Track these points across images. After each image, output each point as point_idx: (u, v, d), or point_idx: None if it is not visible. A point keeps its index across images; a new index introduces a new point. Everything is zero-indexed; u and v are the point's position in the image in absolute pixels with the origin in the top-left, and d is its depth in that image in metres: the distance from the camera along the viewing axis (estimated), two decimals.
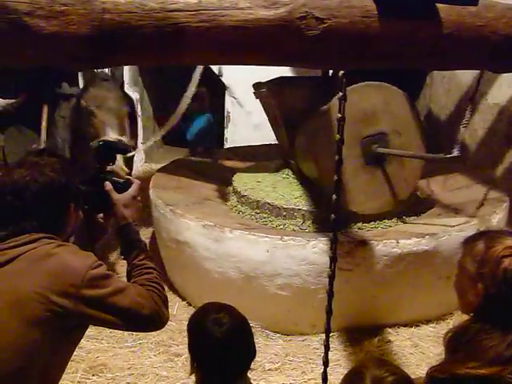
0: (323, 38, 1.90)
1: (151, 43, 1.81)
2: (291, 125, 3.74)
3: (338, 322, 2.76)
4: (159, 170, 4.23)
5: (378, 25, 1.94)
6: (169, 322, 1.57)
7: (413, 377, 1.47)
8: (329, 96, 3.37)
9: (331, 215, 2.02)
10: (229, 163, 4.51)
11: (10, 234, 1.42)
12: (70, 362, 1.53)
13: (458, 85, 4.68)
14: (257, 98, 4.03)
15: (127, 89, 5.32)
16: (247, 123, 5.75)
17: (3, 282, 1.36)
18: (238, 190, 3.72)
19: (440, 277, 3.09)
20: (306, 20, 1.87)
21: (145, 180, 3.42)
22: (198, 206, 3.52)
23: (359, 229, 3.33)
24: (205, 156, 4.73)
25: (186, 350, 1.74)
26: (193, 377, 1.73)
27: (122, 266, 3.57)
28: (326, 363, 2.04)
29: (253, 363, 1.72)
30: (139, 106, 5.93)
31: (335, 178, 2.00)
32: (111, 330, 3.05)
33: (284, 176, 3.89)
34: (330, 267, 2.02)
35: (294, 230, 3.29)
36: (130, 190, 1.71)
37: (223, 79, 5.82)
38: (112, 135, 3.29)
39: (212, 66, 5.42)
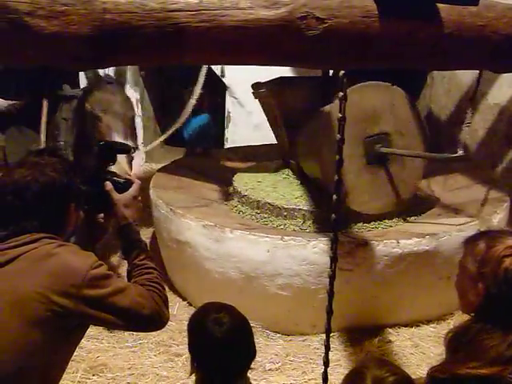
0: (324, 37, 1.90)
1: (152, 43, 1.81)
2: (291, 125, 3.74)
3: (338, 322, 2.76)
4: (160, 170, 4.23)
5: (378, 25, 1.94)
6: (169, 322, 1.57)
7: (413, 377, 1.47)
8: (329, 96, 3.37)
9: (332, 215, 2.01)
10: (229, 163, 4.51)
11: (11, 233, 1.42)
12: (70, 362, 1.53)
13: (458, 85, 4.68)
14: (256, 98, 4.03)
15: (128, 89, 5.31)
16: (248, 123, 5.75)
17: (4, 282, 1.37)
18: (239, 189, 3.72)
19: (441, 277, 3.09)
20: (306, 20, 1.87)
21: (145, 180, 3.43)
22: (199, 206, 3.52)
23: (360, 229, 3.33)
24: (203, 156, 4.73)
25: (187, 350, 1.74)
26: (193, 377, 1.73)
27: (122, 266, 3.58)
28: (326, 363, 2.03)
29: (253, 363, 1.72)
30: (139, 106, 5.93)
31: (336, 177, 2.00)
32: (111, 329, 3.06)
33: (284, 176, 3.89)
34: (331, 267, 2.02)
35: (294, 230, 3.28)
36: (130, 189, 1.71)
37: (223, 79, 5.82)
38: (118, 140, 3.28)
39: (214, 67, 5.42)
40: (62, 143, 3.73)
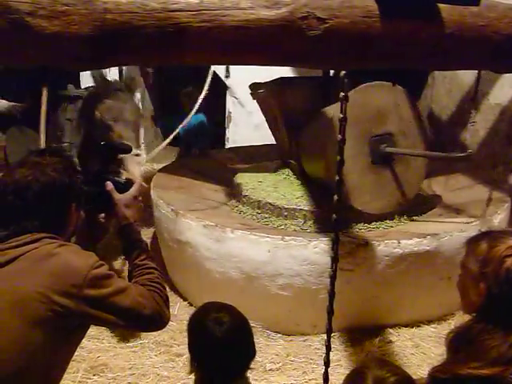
0: (325, 38, 1.90)
1: (153, 43, 1.81)
2: (292, 125, 3.74)
3: (339, 323, 2.76)
4: (160, 170, 4.24)
5: (379, 25, 1.94)
6: (170, 322, 1.57)
7: (414, 377, 1.47)
8: (330, 96, 3.37)
9: (333, 215, 2.01)
10: (230, 163, 4.51)
11: (12, 233, 1.42)
12: (71, 362, 1.53)
13: (459, 85, 4.68)
14: (254, 98, 4.03)
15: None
16: (248, 123, 5.75)
17: (5, 282, 1.36)
18: (240, 189, 3.72)
19: (441, 277, 3.09)
20: (307, 20, 1.87)
21: (146, 180, 3.43)
22: (199, 206, 3.52)
23: (360, 229, 3.33)
24: (204, 156, 4.72)
25: (187, 349, 1.74)
26: (193, 376, 1.73)
27: (123, 266, 3.58)
28: (327, 363, 2.03)
29: (254, 363, 1.72)
30: (140, 107, 5.92)
31: (336, 177, 1.99)
32: (112, 329, 3.06)
33: (285, 176, 3.89)
34: (332, 267, 2.02)
35: (295, 230, 3.28)
36: (131, 190, 1.71)
37: (223, 79, 5.83)
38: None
39: (219, 67, 5.42)
40: (66, 144, 3.71)
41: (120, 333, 3.08)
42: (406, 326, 3.19)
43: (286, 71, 4.11)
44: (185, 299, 3.51)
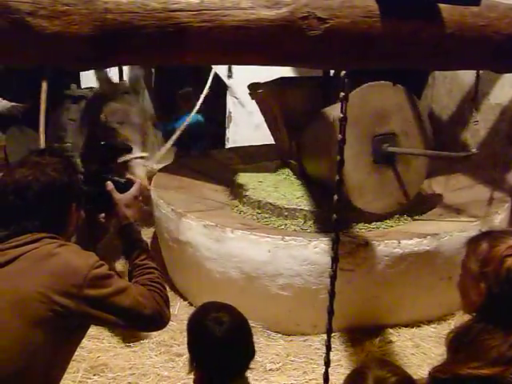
0: (325, 38, 1.90)
1: (153, 43, 1.81)
2: (292, 125, 3.74)
3: (339, 323, 2.75)
4: (161, 170, 4.23)
5: (380, 25, 1.94)
6: (170, 322, 1.57)
7: (414, 377, 1.47)
8: (330, 96, 3.37)
9: (333, 215, 2.01)
10: (230, 163, 4.51)
11: (12, 233, 1.42)
12: (71, 362, 1.53)
13: (459, 85, 4.68)
14: (252, 98, 4.03)
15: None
16: (249, 123, 5.75)
17: (5, 282, 1.36)
18: (240, 189, 3.72)
19: (441, 277, 3.09)
20: (307, 20, 1.87)
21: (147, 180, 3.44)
22: (200, 206, 3.52)
23: (361, 229, 3.33)
24: (204, 156, 4.71)
25: (187, 349, 1.74)
26: (192, 376, 1.72)
27: (123, 266, 3.58)
28: (327, 363, 2.03)
29: (254, 363, 1.72)
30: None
31: (337, 177, 1.99)
32: (112, 329, 3.06)
33: (285, 176, 3.89)
34: (332, 267, 2.02)
35: (295, 230, 3.28)
36: (131, 189, 1.71)
37: (224, 79, 5.82)
38: (137, 153, 3.26)
39: (220, 67, 5.41)
40: (69, 145, 3.69)
41: (120, 333, 3.08)
42: (406, 326, 3.19)
43: (286, 71, 4.10)
44: (185, 299, 3.51)
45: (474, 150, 2.81)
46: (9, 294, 1.34)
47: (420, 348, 3.02)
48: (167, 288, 1.64)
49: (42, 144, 3.62)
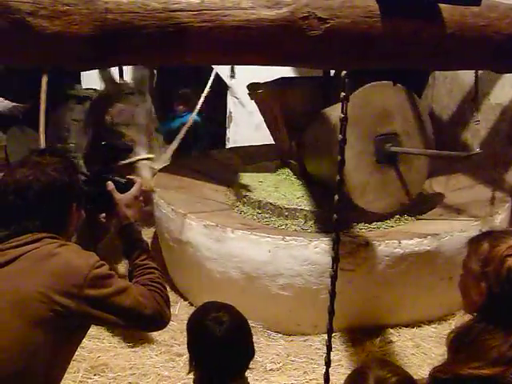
0: (325, 38, 1.90)
1: (154, 43, 1.81)
2: (292, 125, 3.74)
3: (339, 323, 2.75)
4: (161, 170, 4.23)
5: (380, 25, 1.94)
6: (170, 322, 1.57)
7: (415, 377, 1.47)
8: (330, 96, 3.37)
9: (333, 215, 2.01)
10: (231, 163, 4.51)
11: (12, 233, 1.42)
12: (71, 362, 1.53)
13: (460, 85, 4.68)
14: (251, 99, 4.03)
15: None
16: (249, 123, 5.75)
17: (5, 282, 1.36)
18: (240, 189, 3.72)
19: (442, 277, 3.09)
20: (308, 20, 1.87)
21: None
22: (200, 206, 3.52)
23: (361, 229, 3.33)
24: (205, 157, 4.70)
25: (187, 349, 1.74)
26: (192, 376, 1.72)
27: (123, 266, 3.58)
28: (328, 363, 2.03)
29: (254, 363, 1.72)
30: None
31: (337, 177, 1.99)
32: (113, 329, 3.06)
33: (286, 176, 3.89)
34: (332, 267, 2.02)
35: (295, 230, 3.28)
36: (132, 189, 1.71)
37: (226, 79, 5.82)
38: (143, 155, 3.25)
39: (222, 67, 5.40)
40: (72, 145, 3.68)
41: (120, 333, 3.08)
42: (406, 326, 3.19)
43: (286, 71, 4.10)
44: (185, 299, 3.51)
45: (477, 150, 2.81)
46: (9, 294, 1.34)
47: (420, 348, 3.02)
48: (168, 288, 1.64)
49: (43, 144, 3.61)
